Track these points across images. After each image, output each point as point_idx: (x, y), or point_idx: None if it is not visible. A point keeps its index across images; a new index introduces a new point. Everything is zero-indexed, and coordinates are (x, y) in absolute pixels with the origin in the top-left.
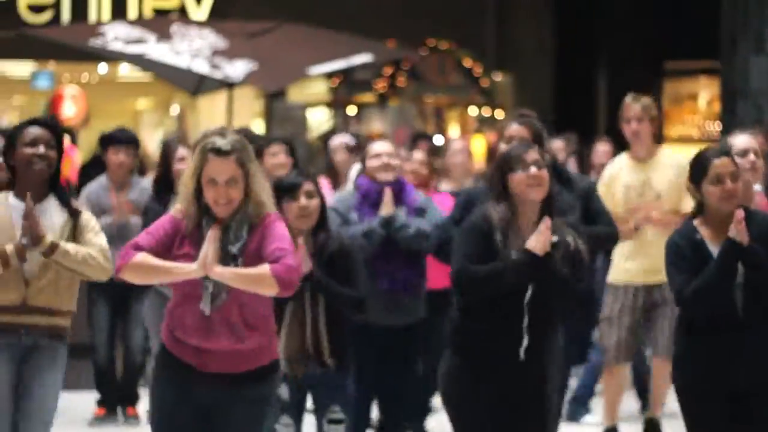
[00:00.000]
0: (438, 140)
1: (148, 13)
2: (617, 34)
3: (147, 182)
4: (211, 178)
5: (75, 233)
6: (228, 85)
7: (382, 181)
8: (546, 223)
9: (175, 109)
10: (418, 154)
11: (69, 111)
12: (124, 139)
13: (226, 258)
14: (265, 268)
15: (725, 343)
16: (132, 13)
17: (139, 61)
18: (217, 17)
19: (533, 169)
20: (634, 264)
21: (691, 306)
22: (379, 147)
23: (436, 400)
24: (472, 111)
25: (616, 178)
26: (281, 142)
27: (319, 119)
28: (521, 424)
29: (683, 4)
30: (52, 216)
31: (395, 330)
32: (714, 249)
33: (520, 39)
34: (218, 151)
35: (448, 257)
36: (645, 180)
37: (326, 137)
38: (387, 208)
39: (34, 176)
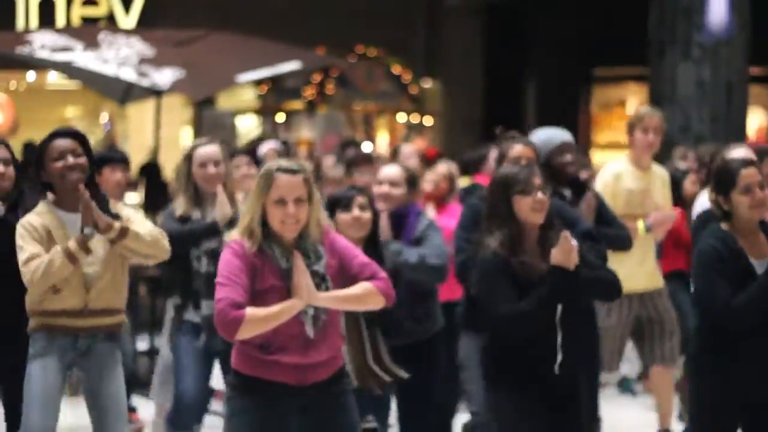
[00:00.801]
0: (366, 147)
1: (76, 21)
2: (546, 40)
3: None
4: (280, 198)
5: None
6: (156, 93)
7: (382, 209)
8: (566, 234)
9: (103, 117)
10: (442, 168)
11: None
12: (119, 158)
13: (314, 279)
14: (369, 287)
15: (756, 352)
16: (60, 21)
17: (66, 69)
18: (145, 25)
19: (539, 195)
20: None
21: (739, 320)
22: (385, 173)
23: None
24: (401, 118)
25: (620, 180)
26: (244, 153)
27: (248, 126)
28: None
29: (612, 10)
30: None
31: (414, 346)
32: (750, 259)
33: (448, 46)
34: (287, 170)
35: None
36: (645, 189)
37: (254, 144)
38: (384, 233)
39: (71, 186)
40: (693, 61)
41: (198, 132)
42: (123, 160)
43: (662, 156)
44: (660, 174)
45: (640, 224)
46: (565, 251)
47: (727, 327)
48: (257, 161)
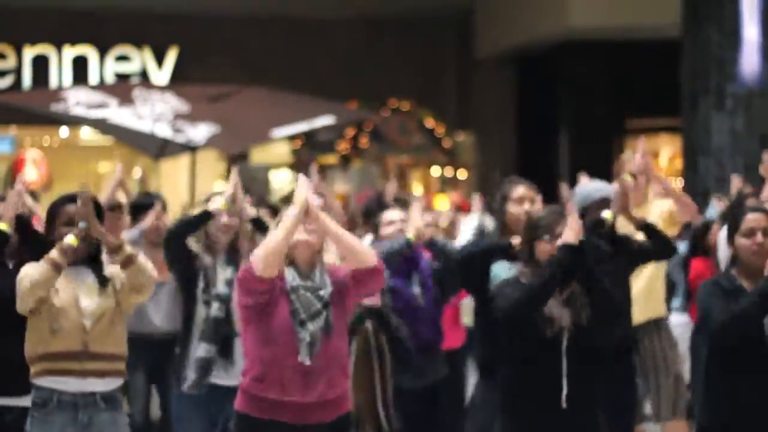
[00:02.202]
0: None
1: (109, 77)
2: (578, 91)
3: None
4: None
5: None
6: (191, 148)
7: None
8: (573, 213)
9: (137, 172)
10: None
11: (31, 175)
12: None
13: (318, 301)
14: (367, 247)
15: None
16: (93, 77)
17: (101, 125)
18: (177, 80)
19: (560, 241)
20: None
21: (724, 333)
22: (392, 215)
23: None
24: (435, 171)
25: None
26: None
27: (281, 181)
28: None
29: (644, 61)
30: (87, 280)
31: (420, 392)
32: None
33: (481, 99)
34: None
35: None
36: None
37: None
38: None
39: (75, 254)
40: (726, 111)
41: None
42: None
43: (701, 207)
44: (659, 203)
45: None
46: (572, 228)
47: (720, 346)
48: None
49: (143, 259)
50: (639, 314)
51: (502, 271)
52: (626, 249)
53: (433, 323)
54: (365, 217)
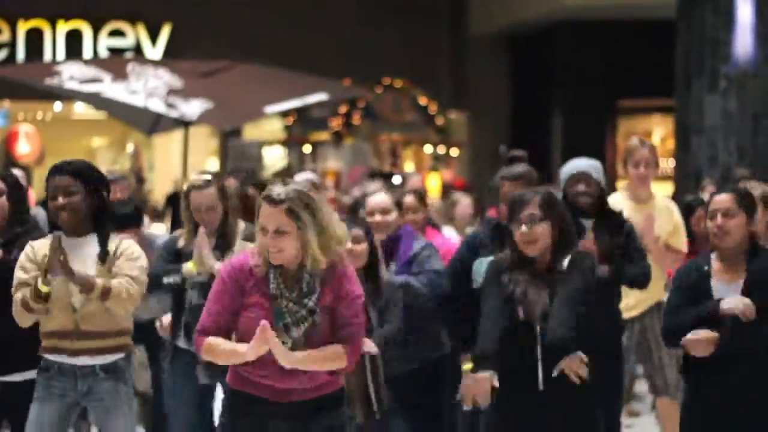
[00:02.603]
0: (396, 179)
1: (103, 52)
2: (572, 71)
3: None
4: (263, 226)
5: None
6: (184, 123)
7: (376, 237)
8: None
9: (130, 148)
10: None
11: (23, 149)
12: (117, 178)
13: (302, 311)
14: (339, 351)
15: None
16: (87, 52)
17: (94, 100)
18: (171, 56)
19: (523, 228)
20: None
21: (667, 341)
22: (374, 203)
23: None
24: (428, 148)
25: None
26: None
27: (274, 157)
28: None
29: (637, 42)
30: (89, 250)
31: (409, 375)
32: (716, 283)
33: (474, 77)
34: (269, 199)
35: (450, 315)
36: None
37: (282, 175)
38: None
39: (62, 224)
40: (719, 92)
41: (224, 162)
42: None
43: (693, 187)
44: (664, 205)
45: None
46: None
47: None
48: None
49: (119, 286)
50: (640, 299)
51: (481, 266)
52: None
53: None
54: (351, 212)
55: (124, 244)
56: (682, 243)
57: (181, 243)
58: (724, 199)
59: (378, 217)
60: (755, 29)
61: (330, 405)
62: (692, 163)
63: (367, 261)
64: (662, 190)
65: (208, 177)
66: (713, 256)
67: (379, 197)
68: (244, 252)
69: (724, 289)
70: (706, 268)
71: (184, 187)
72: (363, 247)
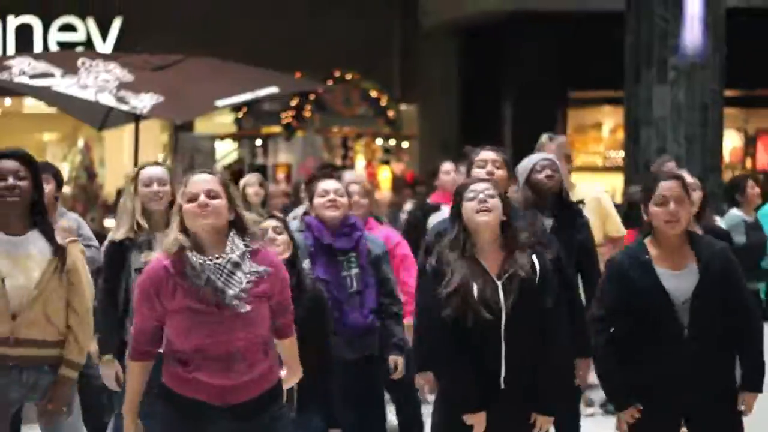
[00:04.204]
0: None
1: (53, 46)
2: (522, 63)
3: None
4: (192, 194)
5: (62, 270)
6: (134, 117)
7: (331, 218)
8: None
9: (80, 142)
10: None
11: None
12: (50, 170)
13: (227, 265)
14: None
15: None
16: (37, 46)
17: (45, 94)
18: (122, 51)
19: (480, 197)
20: None
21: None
22: (327, 185)
23: None
24: (379, 141)
25: None
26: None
27: (225, 151)
28: None
29: (587, 34)
30: (34, 249)
31: (356, 363)
32: (660, 269)
33: (425, 69)
34: (201, 172)
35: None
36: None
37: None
38: None
39: (7, 208)
40: (669, 83)
41: (175, 156)
42: (54, 174)
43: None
44: (592, 195)
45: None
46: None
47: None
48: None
49: (84, 340)
50: None
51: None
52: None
53: (366, 309)
54: (307, 183)
55: (72, 253)
56: (618, 228)
57: (120, 235)
58: (674, 186)
59: (332, 196)
60: (704, 20)
61: (271, 399)
62: (642, 155)
63: (290, 254)
64: (613, 182)
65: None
66: (648, 243)
67: (330, 180)
68: (156, 259)
69: (671, 275)
70: (646, 257)
71: (132, 174)
72: (284, 237)
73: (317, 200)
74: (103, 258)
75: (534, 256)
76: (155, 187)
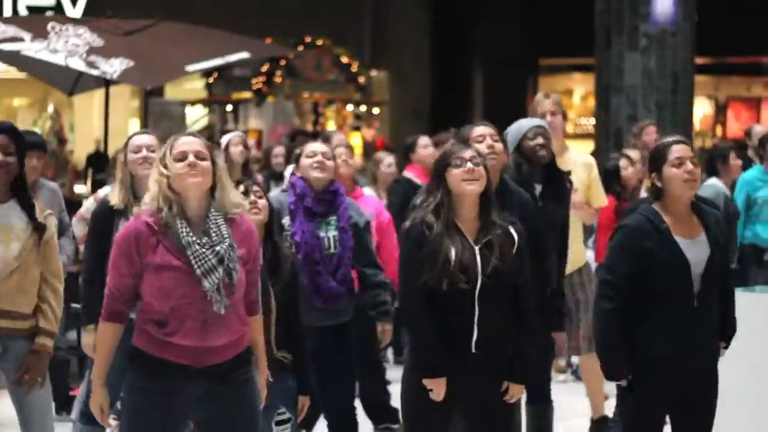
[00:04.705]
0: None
1: (22, 11)
2: (492, 31)
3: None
4: (182, 154)
5: (39, 243)
6: (105, 82)
7: (316, 179)
8: None
9: (50, 108)
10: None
11: None
12: (36, 142)
13: (212, 259)
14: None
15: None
16: (6, 11)
17: (14, 59)
18: (92, 15)
19: (468, 165)
20: None
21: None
22: (314, 146)
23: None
24: (350, 107)
25: None
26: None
27: (196, 116)
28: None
29: (558, 1)
30: (14, 220)
31: (328, 329)
32: (677, 237)
33: (396, 36)
34: (188, 134)
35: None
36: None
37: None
38: None
39: None
40: (639, 50)
41: (145, 122)
42: (40, 145)
43: (613, 146)
44: (579, 160)
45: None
46: None
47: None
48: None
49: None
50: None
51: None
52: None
53: (340, 273)
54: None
55: (50, 229)
56: (602, 199)
57: (115, 200)
58: (686, 148)
59: (320, 157)
60: None
61: (242, 362)
62: (613, 122)
63: (267, 219)
64: (583, 149)
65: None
66: (658, 209)
67: (318, 143)
68: (135, 215)
69: (687, 244)
70: (664, 225)
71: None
72: (264, 201)
73: (304, 160)
74: (90, 222)
75: (510, 226)
76: (144, 152)
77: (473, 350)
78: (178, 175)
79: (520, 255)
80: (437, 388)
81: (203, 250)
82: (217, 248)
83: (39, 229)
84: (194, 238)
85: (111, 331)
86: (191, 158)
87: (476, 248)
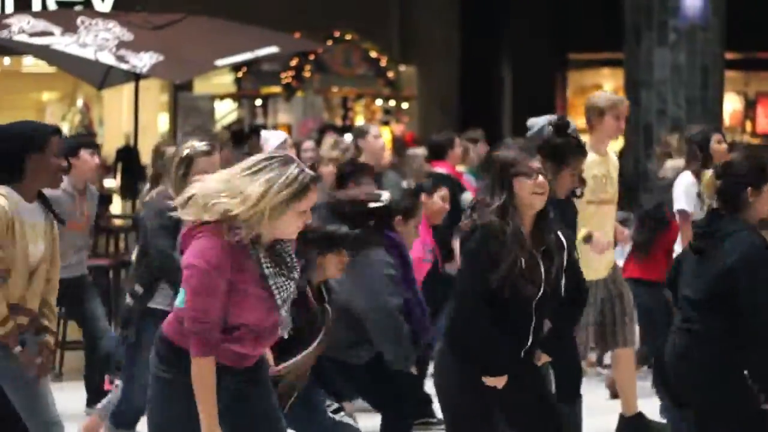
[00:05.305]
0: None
1: (52, 5)
2: (522, 24)
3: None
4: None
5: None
6: (134, 76)
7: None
8: None
9: (80, 102)
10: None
11: None
12: (92, 142)
13: (290, 287)
14: None
15: None
16: (36, 5)
17: (44, 53)
18: (121, 9)
19: (540, 178)
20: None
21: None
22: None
23: None
24: (379, 102)
25: (588, 168)
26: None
27: (225, 111)
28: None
29: None
30: (40, 219)
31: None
32: None
33: (425, 31)
34: (314, 180)
35: None
36: (606, 174)
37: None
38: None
39: (53, 187)
40: (668, 45)
41: (174, 116)
42: (95, 144)
43: (643, 141)
44: (613, 161)
45: (582, 232)
46: None
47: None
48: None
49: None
50: (598, 268)
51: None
52: None
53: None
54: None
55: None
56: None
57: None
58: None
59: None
60: None
61: (261, 363)
62: (642, 117)
63: None
64: (613, 144)
65: (211, 142)
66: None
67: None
68: (208, 232)
69: None
70: None
71: (183, 153)
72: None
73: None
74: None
75: (560, 234)
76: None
77: (522, 355)
78: (287, 221)
79: (572, 259)
80: (499, 383)
81: (284, 280)
82: (294, 277)
83: (53, 228)
84: (276, 268)
85: (213, 366)
86: (307, 215)
87: (538, 256)
